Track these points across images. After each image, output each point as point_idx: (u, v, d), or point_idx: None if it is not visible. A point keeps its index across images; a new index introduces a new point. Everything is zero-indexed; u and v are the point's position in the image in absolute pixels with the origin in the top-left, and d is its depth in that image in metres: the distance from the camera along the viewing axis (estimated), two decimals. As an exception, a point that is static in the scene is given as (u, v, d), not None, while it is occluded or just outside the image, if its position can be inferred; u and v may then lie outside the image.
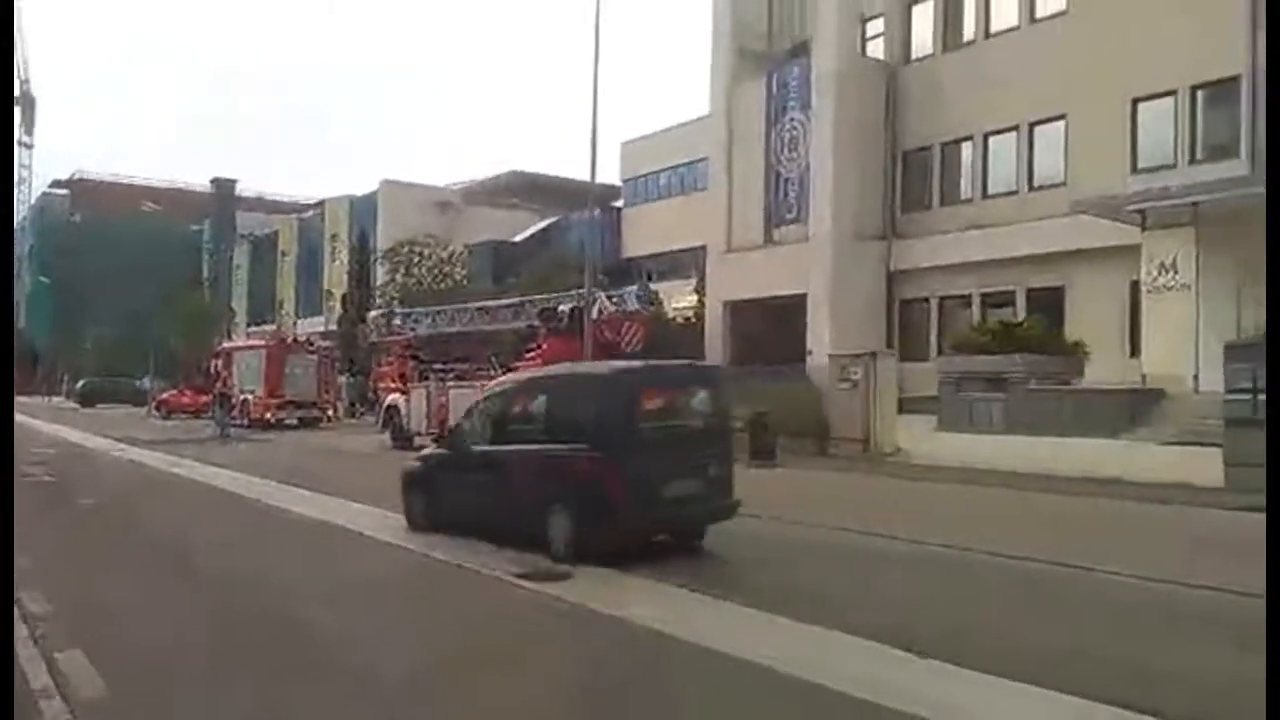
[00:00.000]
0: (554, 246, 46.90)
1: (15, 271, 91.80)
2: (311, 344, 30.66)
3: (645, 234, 40.72)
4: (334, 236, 61.44)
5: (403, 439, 20.12)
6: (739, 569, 8.05)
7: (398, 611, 6.84)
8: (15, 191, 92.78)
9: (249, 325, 67.48)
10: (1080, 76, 24.22)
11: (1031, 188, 25.96)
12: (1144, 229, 20.77)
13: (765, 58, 31.90)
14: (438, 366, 20.09)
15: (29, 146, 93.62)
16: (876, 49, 30.23)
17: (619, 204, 44.89)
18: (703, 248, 35.32)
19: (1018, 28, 26.47)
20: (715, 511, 8.65)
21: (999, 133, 26.78)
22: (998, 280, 26.23)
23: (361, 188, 58.89)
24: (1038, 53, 25.42)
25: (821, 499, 12.02)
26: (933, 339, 28.17)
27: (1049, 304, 25.14)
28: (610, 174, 40.42)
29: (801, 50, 31.72)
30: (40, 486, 14.34)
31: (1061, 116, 25.14)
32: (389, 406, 20.37)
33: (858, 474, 14.22)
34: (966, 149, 27.70)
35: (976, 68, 27.04)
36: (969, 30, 27.92)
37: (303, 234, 65.82)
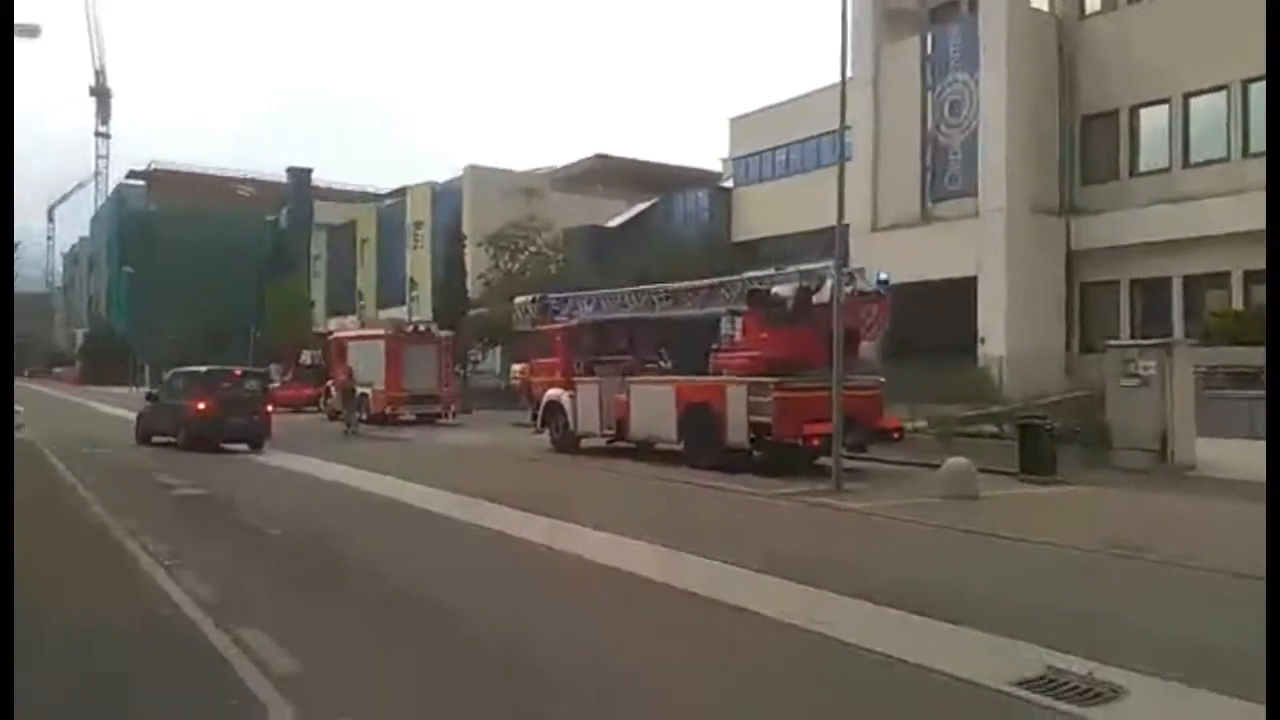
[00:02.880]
0: (652, 230, 44.57)
1: (95, 262, 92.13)
2: (432, 333, 28.51)
3: (761, 215, 38.01)
4: (417, 224, 59.87)
5: (567, 441, 17.82)
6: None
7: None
8: (96, 185, 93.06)
9: (328, 315, 66.35)
10: (1312, 24, 21.09)
11: (1246, 154, 22.85)
12: None
13: (914, 17, 29.08)
14: (605, 359, 17.75)
15: (106, 137, 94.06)
16: (1041, 2, 27.28)
17: (728, 184, 42.29)
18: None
19: (1226, -29, 23.32)
20: (254, 434, 19.03)
21: (1202, 93, 23.71)
22: (1206, 261, 23.18)
23: (433, 176, 57.16)
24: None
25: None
26: (1124, 326, 25.22)
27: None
28: (707, 155, 37.65)
29: (951, 8, 28.92)
30: (196, 502, 12.23)
31: (1286, 71, 21.98)
32: (550, 403, 18.04)
33: (1191, 495, 11.45)
34: (1161, 112, 24.62)
35: (1170, 21, 23.96)
36: (1159, -22, 24.83)
37: (383, 222, 64.29)
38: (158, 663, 5.37)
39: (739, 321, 15.18)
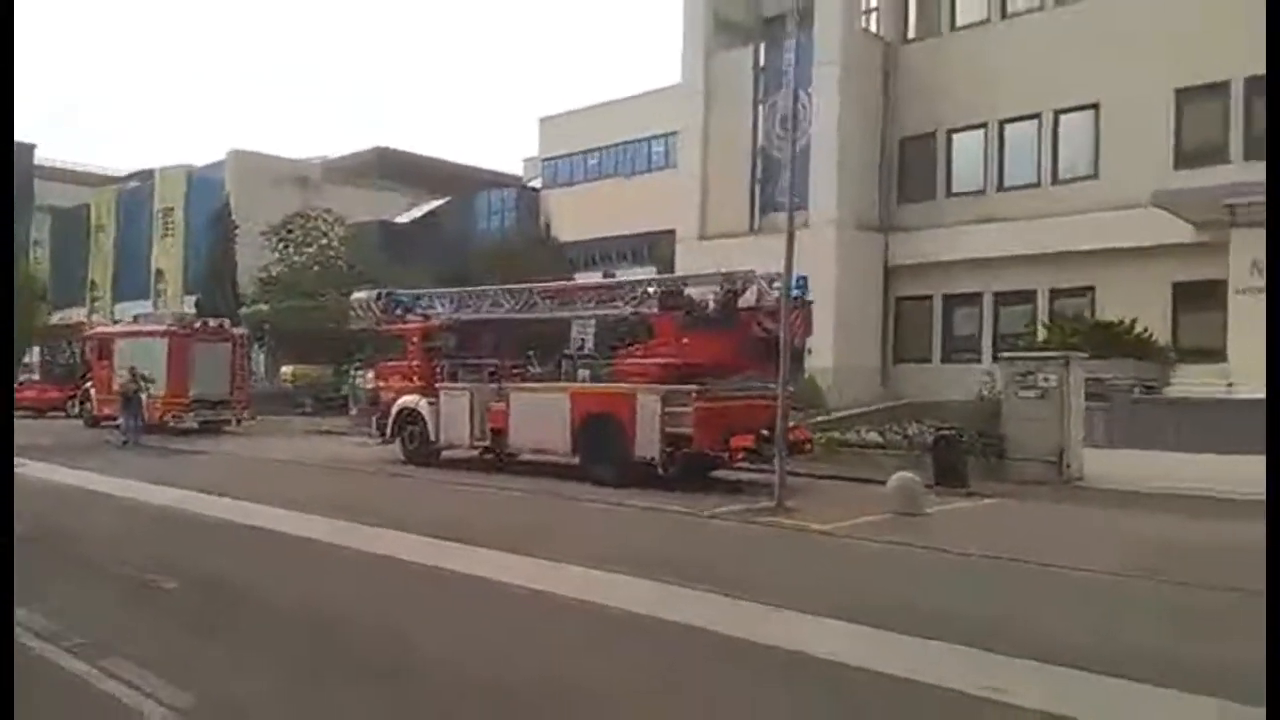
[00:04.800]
0: (448, 229, 42.38)
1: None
2: (225, 329, 24.93)
3: (576, 218, 36.92)
4: (167, 210, 53.85)
5: (424, 452, 15.81)
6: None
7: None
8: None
9: (51, 308, 58.32)
10: (1115, 64, 22.92)
11: (1056, 180, 24.52)
12: (1233, 225, 19.46)
13: (744, 29, 29.13)
14: (470, 361, 15.95)
15: None
16: (868, 24, 28.17)
17: (536, 185, 40.92)
18: (655, 234, 32.31)
19: (1040, 8, 25.01)
20: None
21: (1016, 120, 25.20)
22: (1014, 278, 24.64)
23: (182, 160, 51.52)
24: (1063, 37, 23.98)
25: None
26: (935, 339, 26.37)
27: (1074, 305, 23.87)
28: (496, 155, 36.00)
29: (780, 22, 29.26)
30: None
31: (1092, 106, 23.81)
32: (405, 410, 15.95)
33: (1121, 508, 11.46)
34: (976, 137, 25.95)
35: (989, 50, 25.37)
36: (978, 10, 26.23)
37: (123, 207, 57.41)
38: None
39: (657, 324, 13.95)
